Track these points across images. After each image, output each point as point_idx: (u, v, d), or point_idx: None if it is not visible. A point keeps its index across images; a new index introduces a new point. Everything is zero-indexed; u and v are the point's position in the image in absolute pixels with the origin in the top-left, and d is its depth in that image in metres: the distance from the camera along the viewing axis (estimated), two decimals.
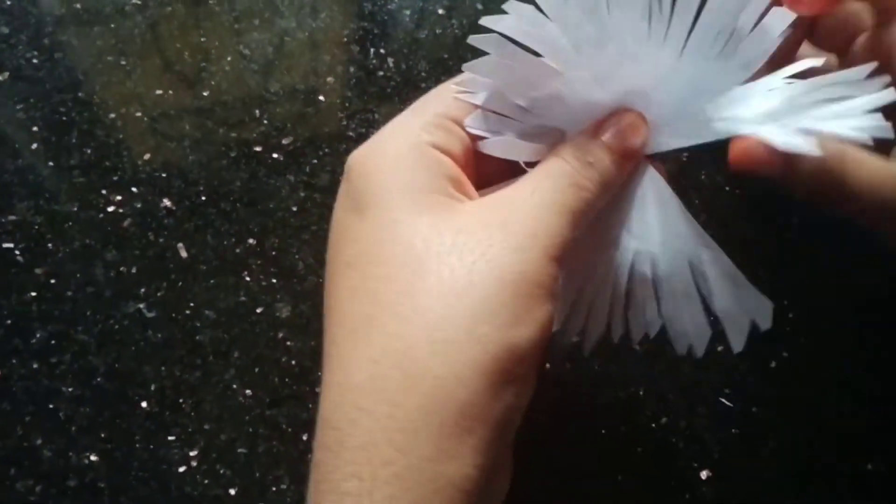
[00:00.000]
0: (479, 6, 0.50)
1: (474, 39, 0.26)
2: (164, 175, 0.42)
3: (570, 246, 0.25)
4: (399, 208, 0.24)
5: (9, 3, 0.47)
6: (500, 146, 0.27)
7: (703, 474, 0.36)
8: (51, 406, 0.36)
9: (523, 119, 0.27)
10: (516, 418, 0.24)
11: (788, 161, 0.25)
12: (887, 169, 0.27)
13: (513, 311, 0.23)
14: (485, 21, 0.26)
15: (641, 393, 0.37)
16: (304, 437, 0.35)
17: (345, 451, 0.22)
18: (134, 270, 0.39)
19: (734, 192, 0.43)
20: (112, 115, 0.44)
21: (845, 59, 0.31)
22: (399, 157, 0.25)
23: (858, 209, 0.28)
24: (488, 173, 0.28)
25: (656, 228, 0.28)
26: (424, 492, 0.21)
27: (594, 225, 0.28)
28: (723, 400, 0.37)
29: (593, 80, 0.26)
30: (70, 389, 0.36)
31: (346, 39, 0.48)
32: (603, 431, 0.36)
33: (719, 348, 0.38)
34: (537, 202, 0.25)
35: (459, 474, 0.22)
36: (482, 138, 0.27)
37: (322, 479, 0.22)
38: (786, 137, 0.24)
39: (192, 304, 0.38)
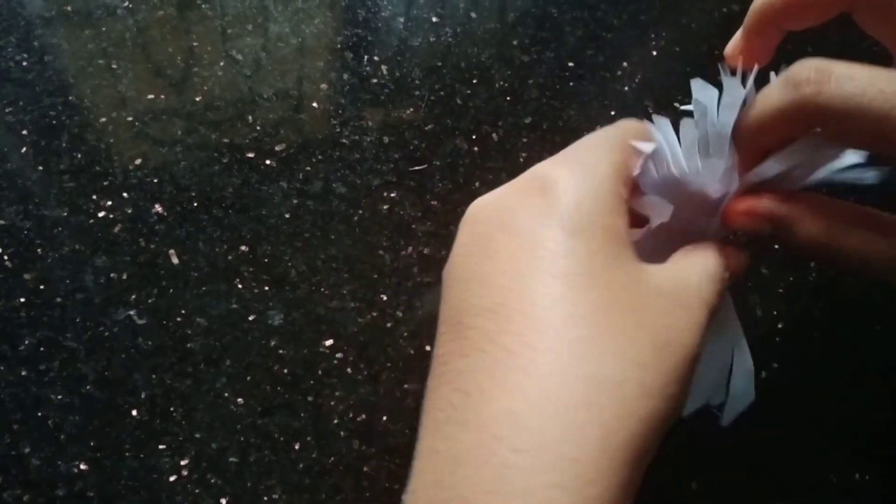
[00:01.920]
0: (473, 15, 0.50)
1: (695, 104, 0.30)
2: (155, 180, 0.42)
3: None
4: (608, 248, 0.26)
5: None
6: (655, 208, 0.30)
7: (694, 485, 0.36)
8: (39, 414, 0.35)
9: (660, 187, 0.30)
10: None
11: (778, 229, 0.29)
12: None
13: (685, 382, 0.25)
14: (696, 84, 0.30)
15: None
16: (296, 447, 0.35)
17: (549, 458, 0.22)
18: (124, 277, 0.39)
19: None
20: (102, 119, 0.43)
21: None
22: (603, 199, 0.26)
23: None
24: None
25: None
26: None
27: None
28: (714, 410, 0.37)
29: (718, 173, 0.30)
30: (59, 397, 0.36)
31: (339, 46, 0.48)
32: None
33: None
34: (704, 290, 0.27)
35: None
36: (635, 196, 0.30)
37: (511, 480, 0.22)
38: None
39: (183, 312, 0.38)
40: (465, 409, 0.24)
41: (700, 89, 0.30)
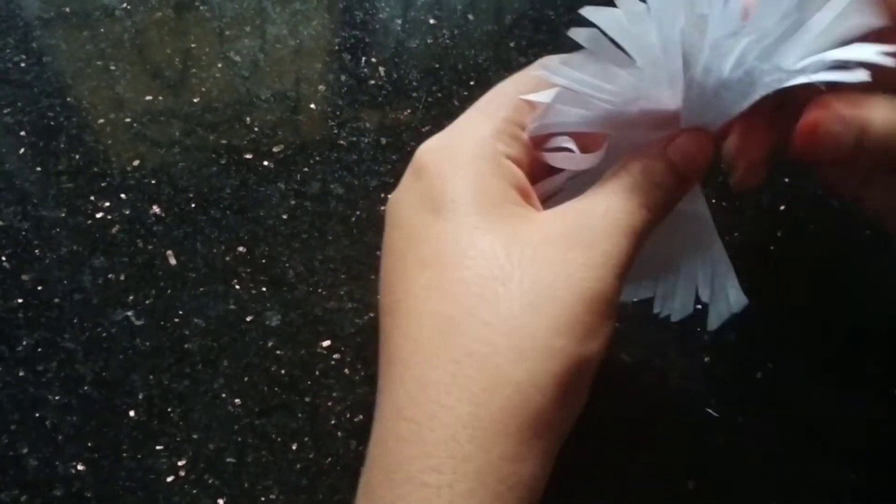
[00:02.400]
0: (471, 17, 0.50)
1: (574, 32, 0.27)
2: (152, 181, 0.42)
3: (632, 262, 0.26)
4: (478, 214, 0.25)
5: None
6: (565, 160, 0.28)
7: (690, 485, 0.36)
8: (37, 414, 0.35)
9: (587, 123, 0.28)
10: (572, 426, 0.26)
11: (858, 135, 0.25)
12: None
13: (587, 326, 0.24)
14: (586, 11, 0.26)
15: (629, 405, 0.37)
16: (294, 447, 0.35)
17: (423, 444, 0.23)
18: (122, 277, 0.39)
19: (720, 204, 0.43)
20: (100, 121, 0.43)
21: None
22: (475, 163, 0.26)
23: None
24: (539, 171, 0.30)
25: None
26: (501, 489, 0.23)
27: None
28: (709, 410, 0.38)
29: (668, 80, 0.26)
30: (56, 398, 0.36)
31: (336, 48, 0.48)
32: (590, 443, 0.37)
33: (706, 359, 0.39)
34: (610, 222, 0.25)
35: (529, 474, 0.23)
36: (545, 145, 0.28)
37: (395, 468, 0.23)
38: (833, 73, 0.23)
39: (180, 312, 0.38)
40: (378, 406, 0.25)
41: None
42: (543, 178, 0.30)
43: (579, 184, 0.29)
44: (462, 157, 0.26)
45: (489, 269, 0.24)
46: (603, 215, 0.26)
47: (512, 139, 0.27)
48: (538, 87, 0.28)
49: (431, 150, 0.27)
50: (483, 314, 0.24)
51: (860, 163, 0.26)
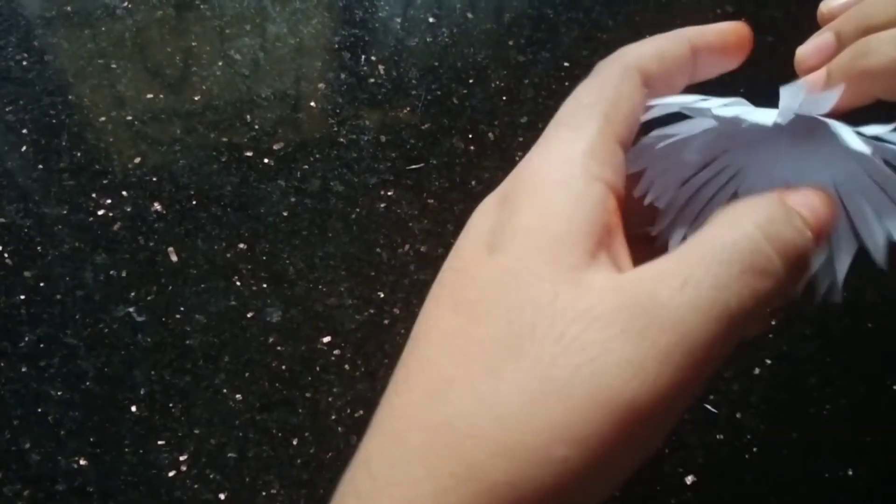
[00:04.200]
0: (470, 15, 0.50)
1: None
2: (154, 179, 0.42)
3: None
4: (531, 260, 0.20)
5: None
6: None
7: (689, 479, 0.36)
8: (39, 410, 0.36)
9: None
10: None
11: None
12: None
13: (605, 440, 0.19)
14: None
15: None
16: (294, 442, 0.36)
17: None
18: (124, 274, 0.39)
19: None
20: (102, 119, 0.44)
21: None
22: (558, 188, 0.21)
23: None
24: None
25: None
26: None
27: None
28: (707, 406, 0.38)
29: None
30: (59, 393, 0.36)
31: (336, 46, 0.48)
32: None
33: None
34: (685, 301, 0.19)
35: None
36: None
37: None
38: None
39: (182, 309, 0.38)
40: (362, 442, 0.22)
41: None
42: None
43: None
44: (546, 182, 0.21)
45: (510, 336, 0.20)
46: (679, 289, 0.19)
47: (609, 155, 0.22)
48: (621, 87, 0.23)
49: (520, 172, 0.22)
50: (482, 388, 0.19)
51: None
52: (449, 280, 0.22)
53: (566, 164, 0.22)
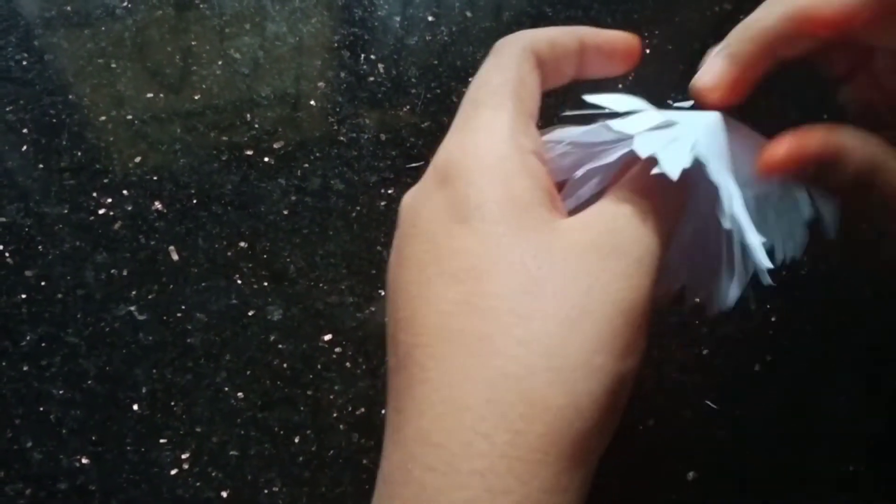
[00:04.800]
0: (469, 14, 0.50)
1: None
2: (154, 178, 0.42)
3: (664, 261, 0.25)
4: (506, 223, 0.23)
5: None
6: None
7: (690, 475, 0.36)
8: (41, 409, 0.36)
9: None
10: (605, 448, 0.24)
11: (821, 170, 0.25)
12: None
13: (625, 340, 0.22)
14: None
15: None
16: (296, 440, 0.36)
17: (457, 475, 0.21)
18: (125, 273, 0.39)
19: None
20: (102, 118, 0.44)
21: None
22: (501, 164, 0.24)
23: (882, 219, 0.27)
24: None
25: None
26: None
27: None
28: (708, 402, 0.38)
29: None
30: (60, 392, 0.36)
31: (336, 45, 0.48)
32: None
33: (705, 352, 0.39)
34: (639, 224, 0.24)
35: None
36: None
37: (427, 499, 0.21)
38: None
39: (183, 307, 0.38)
40: (395, 428, 0.23)
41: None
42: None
43: (590, 179, 0.29)
44: (488, 158, 0.24)
45: (521, 283, 0.22)
46: (630, 218, 0.24)
47: (529, 129, 0.26)
48: (523, 67, 0.27)
49: (454, 153, 0.25)
50: (517, 332, 0.22)
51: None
52: (423, 256, 0.24)
53: (500, 141, 0.25)
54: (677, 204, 0.26)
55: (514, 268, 0.23)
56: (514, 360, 0.22)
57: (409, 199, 0.26)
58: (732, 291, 0.29)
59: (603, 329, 0.22)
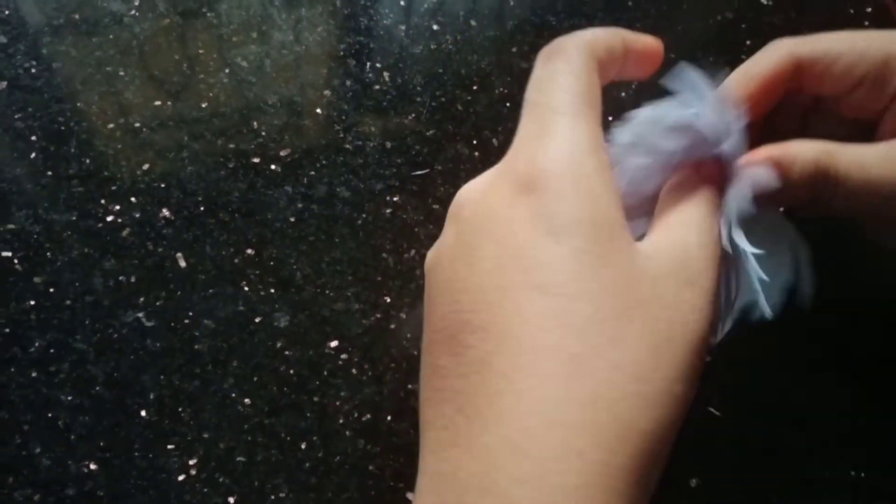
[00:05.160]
0: (473, 23, 0.51)
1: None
2: (162, 185, 0.42)
3: None
4: (599, 244, 0.23)
5: (6, 12, 0.47)
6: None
7: (693, 482, 0.36)
8: (49, 415, 0.36)
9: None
10: None
11: (780, 170, 0.27)
12: (875, 155, 0.28)
13: (697, 371, 0.24)
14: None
15: None
16: (303, 446, 0.36)
17: (548, 489, 0.21)
18: (133, 280, 0.39)
19: None
20: (110, 126, 0.44)
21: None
22: (590, 179, 0.24)
23: (855, 206, 0.29)
24: None
25: None
26: None
27: None
28: (711, 409, 0.38)
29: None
30: (69, 398, 0.36)
31: (342, 53, 0.49)
32: None
33: (707, 358, 0.39)
34: (706, 256, 0.25)
35: None
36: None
37: None
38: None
39: (190, 314, 0.39)
40: (466, 432, 0.23)
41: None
42: None
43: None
44: (576, 171, 0.24)
45: (612, 306, 0.23)
46: (699, 248, 0.25)
47: (603, 142, 0.26)
48: (592, 74, 0.27)
49: (538, 160, 0.25)
50: (612, 355, 0.22)
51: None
52: (506, 263, 0.24)
53: (586, 154, 0.25)
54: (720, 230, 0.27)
55: (607, 290, 0.23)
56: (608, 383, 0.22)
57: (476, 194, 0.26)
58: (725, 325, 0.31)
59: (683, 359, 0.23)
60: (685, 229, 0.25)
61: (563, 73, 0.27)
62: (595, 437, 0.21)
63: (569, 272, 0.23)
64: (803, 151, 0.27)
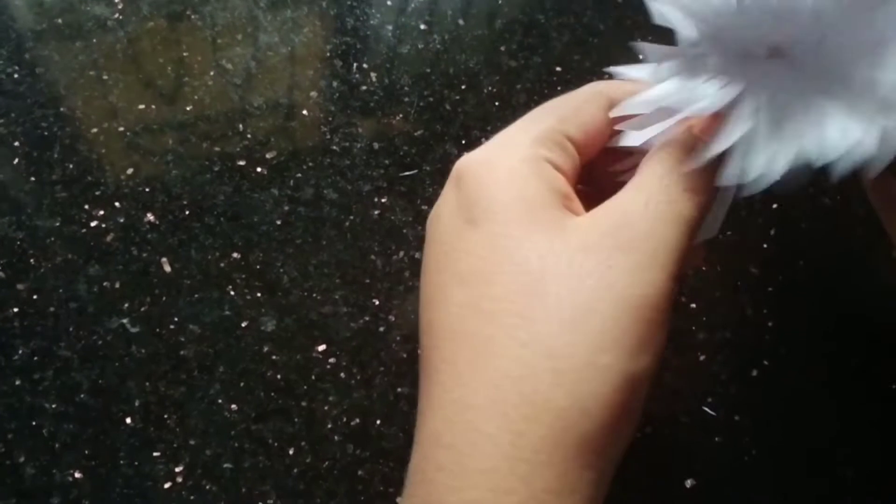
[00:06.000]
0: (461, 22, 0.50)
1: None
2: (146, 190, 0.42)
3: (688, 255, 0.24)
4: (514, 223, 0.23)
5: None
6: (639, 136, 0.27)
7: (688, 483, 0.36)
8: (34, 423, 0.35)
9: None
10: (624, 451, 0.24)
11: None
12: None
13: (635, 338, 0.22)
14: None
15: None
16: (291, 452, 0.35)
17: (466, 474, 0.21)
18: (117, 285, 0.39)
19: None
20: (94, 130, 0.44)
21: None
22: (513, 168, 0.24)
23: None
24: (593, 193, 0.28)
25: None
26: None
27: None
28: (705, 409, 0.38)
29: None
30: (53, 406, 0.36)
31: (328, 54, 0.48)
32: None
33: (701, 357, 0.39)
34: (652, 215, 0.23)
35: None
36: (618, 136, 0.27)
37: (438, 499, 0.22)
38: None
39: (176, 319, 0.38)
40: (417, 430, 0.24)
41: None
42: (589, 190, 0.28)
43: None
44: (501, 163, 0.25)
45: (525, 284, 0.22)
46: (644, 208, 0.23)
47: (555, 145, 0.26)
48: (586, 103, 0.27)
49: (471, 160, 0.25)
50: (520, 334, 0.22)
51: None
52: (440, 259, 0.25)
53: (519, 148, 0.25)
54: (703, 184, 0.24)
55: (520, 269, 0.23)
56: (517, 361, 0.22)
57: (434, 208, 0.26)
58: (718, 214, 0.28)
59: (609, 327, 0.22)
60: (634, 193, 0.24)
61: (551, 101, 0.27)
62: (503, 419, 0.21)
63: (483, 257, 0.23)
64: None
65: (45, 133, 0.43)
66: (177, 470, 0.35)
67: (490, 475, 0.21)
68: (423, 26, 0.50)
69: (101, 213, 0.41)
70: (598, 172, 0.29)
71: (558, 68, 0.48)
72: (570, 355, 0.22)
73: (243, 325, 0.38)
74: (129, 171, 0.42)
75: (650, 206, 0.23)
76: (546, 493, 0.21)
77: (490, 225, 0.23)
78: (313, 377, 0.37)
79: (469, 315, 0.23)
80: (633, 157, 0.28)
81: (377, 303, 0.39)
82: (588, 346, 0.22)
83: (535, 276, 0.23)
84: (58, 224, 0.40)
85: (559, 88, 0.48)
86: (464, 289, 0.23)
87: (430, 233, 0.26)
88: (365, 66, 0.48)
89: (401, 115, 0.46)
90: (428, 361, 0.24)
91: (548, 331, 0.22)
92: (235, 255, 0.40)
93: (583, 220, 0.24)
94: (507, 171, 0.24)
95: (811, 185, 0.45)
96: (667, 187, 0.24)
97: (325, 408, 0.37)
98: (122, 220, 0.41)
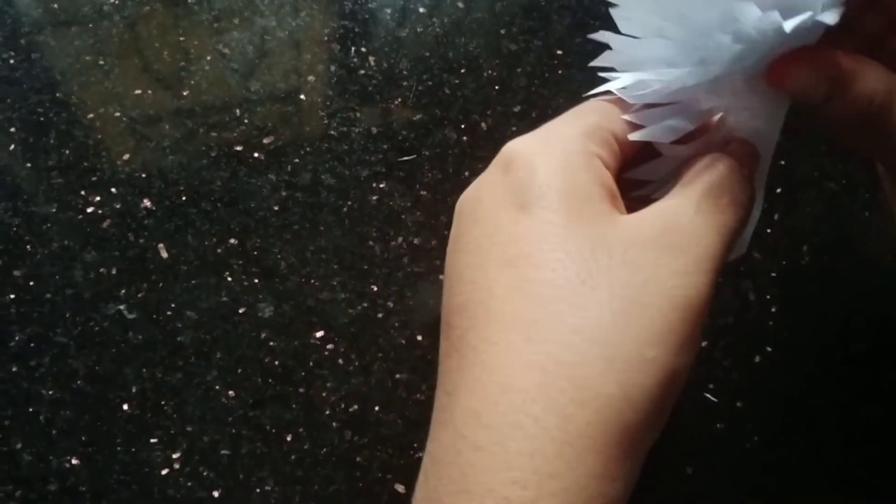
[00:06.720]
0: (461, 5, 0.50)
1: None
2: (143, 175, 0.41)
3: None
4: (565, 212, 0.24)
5: None
6: (651, 132, 0.27)
7: (689, 469, 0.36)
8: (30, 409, 0.35)
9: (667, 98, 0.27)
10: (651, 447, 0.24)
11: (835, 87, 0.25)
12: None
13: (679, 336, 0.23)
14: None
15: None
16: (288, 438, 0.35)
17: (505, 455, 0.21)
18: (114, 271, 0.39)
19: None
20: (90, 116, 0.43)
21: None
22: (566, 159, 0.25)
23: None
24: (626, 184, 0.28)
25: None
26: None
27: None
28: (707, 395, 0.37)
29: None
30: (50, 392, 0.36)
31: (326, 38, 0.48)
32: None
33: (704, 343, 0.38)
34: (701, 223, 0.24)
35: (615, 496, 0.22)
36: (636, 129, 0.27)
37: (472, 480, 0.22)
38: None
39: (173, 305, 0.38)
40: (445, 409, 0.23)
41: None
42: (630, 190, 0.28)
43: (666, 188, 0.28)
44: (553, 150, 0.25)
45: (577, 272, 0.23)
46: (694, 215, 0.24)
47: (603, 142, 0.26)
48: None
49: (521, 145, 0.26)
50: (570, 320, 0.22)
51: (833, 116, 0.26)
52: (484, 241, 0.25)
53: (568, 139, 0.25)
54: (745, 199, 0.26)
55: (571, 257, 0.23)
56: (567, 346, 0.22)
57: (471, 190, 0.27)
58: (746, 234, 0.29)
59: (657, 323, 0.22)
60: (683, 199, 0.25)
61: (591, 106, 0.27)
62: (551, 402, 0.21)
63: (534, 242, 0.23)
64: (867, 79, 0.25)
65: (42, 119, 0.43)
66: (174, 456, 0.35)
67: (534, 457, 0.21)
68: (422, 9, 0.49)
69: (98, 198, 0.40)
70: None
71: (559, 51, 0.48)
72: (620, 345, 0.22)
73: (241, 311, 0.38)
74: (126, 156, 0.42)
75: (699, 213, 0.24)
76: (589, 479, 0.21)
77: (542, 212, 0.24)
78: (311, 363, 0.37)
79: (515, 297, 0.23)
80: (654, 162, 0.29)
81: (375, 289, 0.39)
82: (637, 338, 0.22)
83: (587, 265, 0.23)
84: (54, 210, 0.40)
85: (560, 72, 0.47)
86: (510, 271, 0.23)
87: (467, 214, 0.26)
88: (363, 50, 0.47)
89: (400, 100, 0.45)
90: (462, 341, 0.24)
91: (599, 320, 0.22)
92: (232, 241, 0.40)
93: (631, 219, 0.25)
94: (559, 160, 0.25)
95: (816, 169, 0.44)
96: (716, 197, 0.25)
97: (323, 394, 0.36)
98: (118, 206, 0.40)
